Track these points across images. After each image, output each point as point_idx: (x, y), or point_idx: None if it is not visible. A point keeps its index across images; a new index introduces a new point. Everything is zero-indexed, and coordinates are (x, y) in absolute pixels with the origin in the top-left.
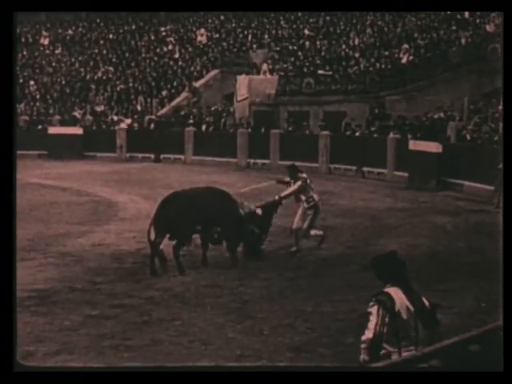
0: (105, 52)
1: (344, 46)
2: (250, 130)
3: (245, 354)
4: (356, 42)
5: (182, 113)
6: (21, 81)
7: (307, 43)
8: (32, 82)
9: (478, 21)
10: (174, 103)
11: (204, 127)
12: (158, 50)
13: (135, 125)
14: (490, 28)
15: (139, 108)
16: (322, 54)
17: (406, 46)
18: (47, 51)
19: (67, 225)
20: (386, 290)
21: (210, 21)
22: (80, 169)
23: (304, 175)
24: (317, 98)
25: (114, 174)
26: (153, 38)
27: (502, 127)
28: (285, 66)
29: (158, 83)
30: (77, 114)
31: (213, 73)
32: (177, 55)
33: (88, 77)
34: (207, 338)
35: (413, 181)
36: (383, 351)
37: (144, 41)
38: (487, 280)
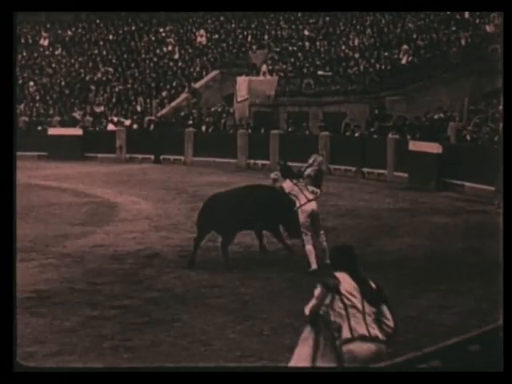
0: (104, 53)
1: (344, 47)
2: (249, 130)
3: (245, 354)
4: (356, 42)
5: (182, 114)
6: (20, 82)
7: (307, 44)
8: (32, 83)
9: (477, 21)
10: (173, 104)
11: (204, 128)
12: (157, 51)
13: (134, 126)
14: (489, 28)
15: (139, 109)
16: (322, 54)
17: (405, 46)
18: (47, 52)
19: (67, 226)
20: (336, 273)
21: (209, 21)
22: (80, 170)
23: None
24: (316, 98)
25: (113, 175)
26: (152, 38)
27: (502, 127)
28: (284, 66)
29: (158, 84)
30: (76, 114)
31: (212, 74)
32: (176, 56)
33: (88, 78)
34: (207, 338)
35: (413, 181)
36: (335, 325)
37: (144, 42)
38: (487, 280)
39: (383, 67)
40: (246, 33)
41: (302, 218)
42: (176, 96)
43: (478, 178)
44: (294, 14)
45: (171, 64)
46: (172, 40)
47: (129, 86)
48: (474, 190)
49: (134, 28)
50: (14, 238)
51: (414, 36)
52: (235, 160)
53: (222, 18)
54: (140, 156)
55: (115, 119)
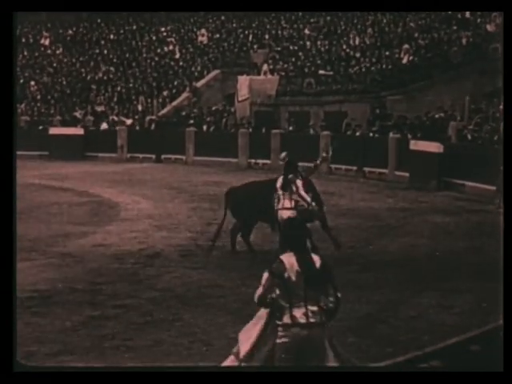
0: (105, 52)
1: (345, 46)
2: (250, 130)
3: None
4: (357, 42)
5: (183, 113)
6: (21, 81)
7: (308, 43)
8: (33, 83)
9: (478, 20)
10: (174, 103)
11: (205, 127)
12: (158, 51)
13: (131, 124)
14: (490, 28)
15: (140, 108)
16: (323, 54)
17: (406, 46)
18: (48, 51)
19: (68, 225)
20: (281, 256)
21: (210, 21)
22: (81, 169)
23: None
24: (318, 98)
25: (114, 175)
26: (153, 38)
27: (502, 127)
28: (285, 66)
29: (159, 83)
30: (78, 114)
31: (213, 73)
32: (177, 55)
33: (89, 77)
34: (208, 338)
35: (414, 181)
36: (279, 305)
37: (145, 41)
38: (488, 280)
39: (384, 67)
40: (247, 32)
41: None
42: (177, 95)
43: (479, 178)
44: (294, 13)
45: (172, 63)
46: (173, 39)
47: (130, 85)
48: (474, 189)
49: (135, 27)
50: (14, 237)
51: (415, 35)
52: (236, 159)
53: (223, 18)
54: (141, 155)
55: (116, 118)
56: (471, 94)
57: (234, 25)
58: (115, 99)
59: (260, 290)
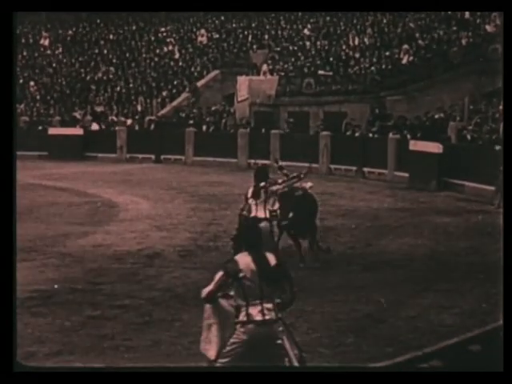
0: (105, 52)
1: (344, 47)
2: (248, 129)
3: None
4: (356, 42)
5: (183, 114)
6: (21, 81)
7: (307, 43)
8: (32, 83)
9: (478, 21)
10: (174, 104)
11: (204, 128)
12: (158, 51)
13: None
14: (490, 28)
15: (139, 108)
16: (323, 54)
17: (406, 46)
18: (47, 52)
19: (68, 225)
20: (236, 256)
21: (210, 21)
22: (80, 169)
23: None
24: (317, 98)
25: (114, 175)
26: (153, 38)
27: (502, 127)
28: (285, 66)
29: (159, 84)
30: (77, 114)
31: (213, 73)
32: (177, 56)
33: (88, 77)
34: None
35: (413, 181)
36: (236, 304)
37: (144, 41)
38: (488, 280)
39: (384, 67)
40: (246, 32)
41: None
42: (176, 96)
43: (479, 178)
44: (294, 13)
45: (172, 64)
46: (172, 40)
47: (129, 85)
48: (474, 189)
49: (134, 28)
50: (14, 237)
51: (415, 36)
52: (236, 160)
53: (222, 18)
54: (140, 156)
55: (115, 119)
56: (471, 95)
57: (234, 25)
58: (115, 99)
59: (210, 287)
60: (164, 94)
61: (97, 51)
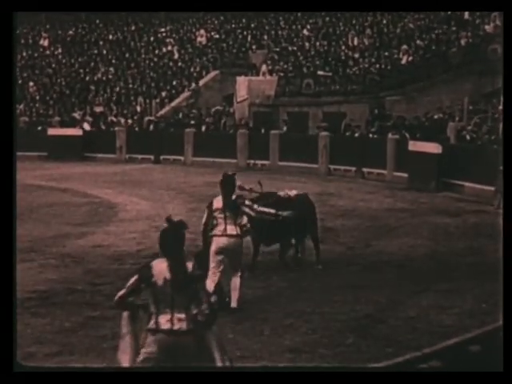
0: (104, 53)
1: (343, 47)
2: (246, 130)
3: (245, 354)
4: (355, 42)
5: (180, 115)
6: (20, 82)
7: (307, 44)
8: (32, 83)
9: (477, 21)
10: (173, 104)
11: (204, 128)
12: (157, 51)
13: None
14: (489, 28)
15: (139, 109)
16: (322, 54)
17: (405, 46)
18: (47, 52)
19: (67, 226)
20: (153, 262)
21: (209, 22)
22: (80, 170)
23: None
24: (316, 98)
25: (113, 175)
26: (152, 38)
27: (501, 128)
28: (284, 66)
29: (158, 84)
30: (76, 115)
31: (212, 74)
32: (176, 56)
33: (87, 78)
34: None
35: (413, 181)
36: (149, 311)
37: (143, 41)
38: (487, 280)
39: (383, 67)
40: (245, 33)
41: (211, 250)
42: (176, 96)
43: (478, 178)
44: (293, 14)
45: (171, 64)
46: (172, 40)
47: (129, 86)
48: (473, 190)
49: (133, 28)
50: (13, 238)
51: (414, 36)
52: (235, 160)
53: (221, 18)
54: (140, 156)
55: (114, 119)
56: (470, 95)
57: (233, 25)
58: (114, 100)
59: (123, 290)
60: (163, 94)
61: (96, 52)
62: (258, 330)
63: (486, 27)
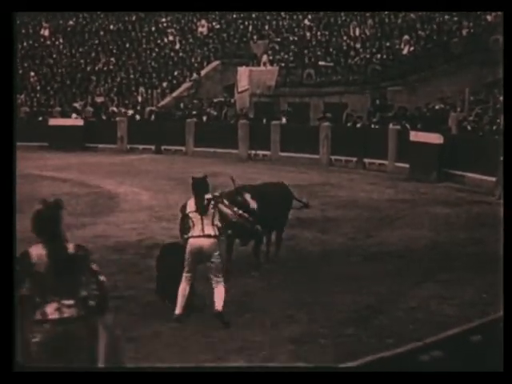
0: (105, 43)
1: (345, 37)
2: (249, 121)
3: (246, 346)
4: (357, 32)
5: (182, 105)
6: (21, 72)
7: (308, 34)
8: (32, 73)
9: (479, 12)
10: (174, 94)
11: (205, 118)
12: (158, 41)
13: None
14: (491, 18)
15: (140, 99)
16: (323, 45)
17: (407, 36)
18: (48, 42)
19: (68, 216)
20: (30, 248)
21: (210, 12)
22: (81, 160)
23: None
24: (318, 89)
25: (114, 166)
26: (153, 28)
27: (502, 118)
28: (285, 57)
29: (159, 74)
30: (77, 105)
31: (213, 64)
32: (177, 46)
33: (88, 68)
34: (208, 330)
35: (414, 172)
36: (32, 302)
37: (144, 32)
38: (488, 271)
39: (384, 57)
40: (246, 23)
41: (187, 251)
42: (177, 86)
43: (479, 169)
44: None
45: (172, 54)
46: (173, 30)
47: (130, 76)
48: (474, 180)
49: (134, 18)
50: (13, 229)
51: (416, 26)
52: (236, 150)
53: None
54: (141, 146)
55: (115, 109)
56: (471, 85)
57: (234, 15)
58: (115, 90)
59: None
60: (164, 84)
61: (97, 42)
62: (258, 321)
63: (488, 17)
